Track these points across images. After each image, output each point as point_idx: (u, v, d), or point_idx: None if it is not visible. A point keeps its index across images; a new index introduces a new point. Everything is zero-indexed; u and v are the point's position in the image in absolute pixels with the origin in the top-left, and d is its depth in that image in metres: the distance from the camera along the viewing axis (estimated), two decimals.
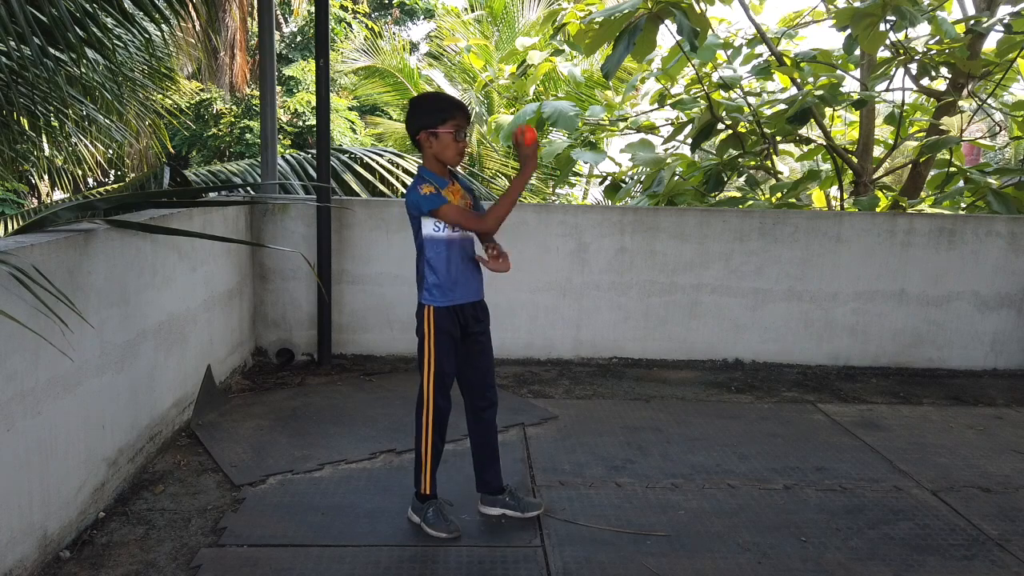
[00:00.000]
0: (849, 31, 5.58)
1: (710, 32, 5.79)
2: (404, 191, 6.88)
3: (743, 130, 6.71)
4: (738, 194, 8.22)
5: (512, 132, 2.90)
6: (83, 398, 2.84)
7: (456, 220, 2.80)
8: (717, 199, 7.02)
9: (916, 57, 6.17)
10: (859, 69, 6.93)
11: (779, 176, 7.51)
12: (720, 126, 6.51)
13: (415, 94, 12.31)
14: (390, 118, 14.58)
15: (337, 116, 14.81)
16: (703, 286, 5.31)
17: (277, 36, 11.89)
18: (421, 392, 2.95)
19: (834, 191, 7.60)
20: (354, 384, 4.73)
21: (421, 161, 2.95)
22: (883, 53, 6.45)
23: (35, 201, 10.80)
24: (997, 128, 8.91)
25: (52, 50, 3.10)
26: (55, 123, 4.46)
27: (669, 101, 6.94)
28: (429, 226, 2.84)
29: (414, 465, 3.00)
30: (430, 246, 2.86)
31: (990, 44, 6.59)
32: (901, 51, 6.24)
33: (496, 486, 3.08)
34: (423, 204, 2.77)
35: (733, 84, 6.65)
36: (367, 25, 16.90)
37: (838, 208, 7.13)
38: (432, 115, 2.81)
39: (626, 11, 5.03)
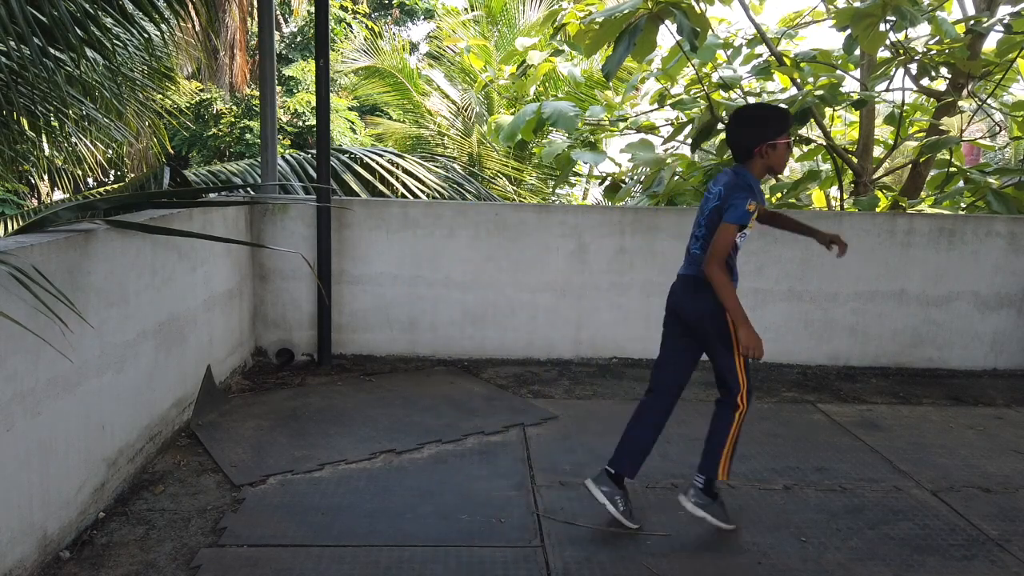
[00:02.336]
0: (849, 31, 5.58)
1: (710, 32, 5.79)
2: (404, 192, 6.88)
3: None
4: None
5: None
6: (83, 398, 2.84)
7: (722, 244, 2.83)
8: None
9: (916, 57, 6.17)
10: (859, 69, 6.93)
11: (779, 176, 7.51)
12: (720, 126, 6.50)
13: (415, 94, 12.36)
14: (390, 118, 14.58)
15: (337, 116, 14.81)
16: None
17: (277, 36, 11.90)
18: (737, 380, 3.01)
19: (834, 191, 7.61)
20: (354, 384, 4.73)
21: (750, 170, 2.93)
22: (883, 53, 6.45)
23: (35, 201, 10.80)
24: (997, 128, 8.91)
25: (52, 50, 3.11)
26: (55, 123, 4.46)
27: (669, 101, 6.94)
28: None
29: (708, 454, 3.01)
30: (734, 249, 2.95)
31: (990, 44, 6.60)
32: (901, 51, 6.24)
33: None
34: (739, 216, 2.81)
35: (733, 84, 6.65)
36: (367, 25, 16.90)
37: (838, 208, 7.13)
38: (773, 127, 2.87)
39: (626, 11, 5.02)
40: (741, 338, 2.86)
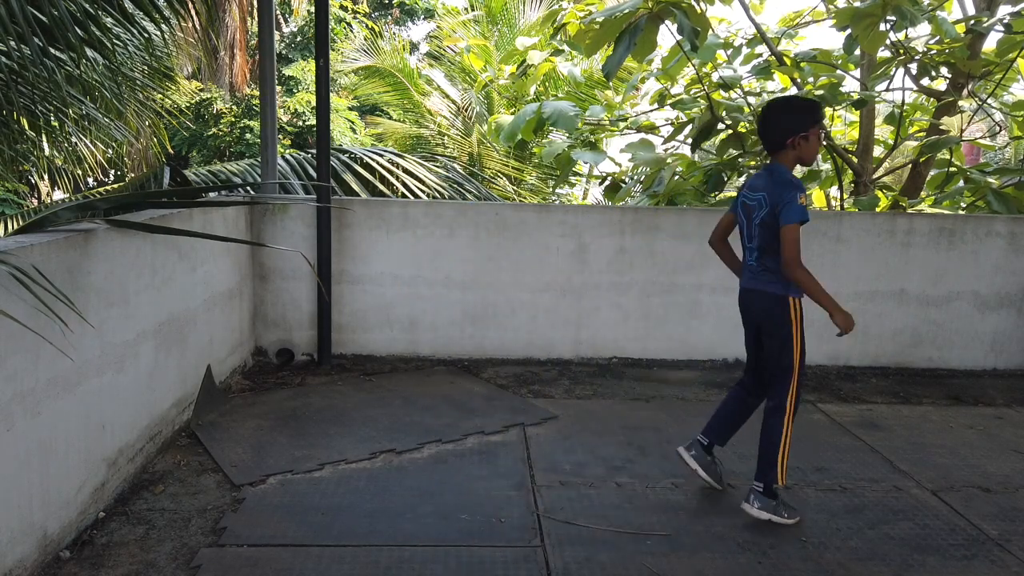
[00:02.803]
0: (849, 31, 5.58)
1: (710, 32, 5.79)
2: (404, 191, 6.88)
3: (743, 130, 6.71)
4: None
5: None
6: (83, 398, 2.84)
7: (795, 244, 2.86)
8: (717, 199, 7.02)
9: (916, 57, 6.17)
10: (859, 69, 6.93)
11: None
12: (720, 126, 6.51)
13: (415, 94, 12.36)
14: (390, 118, 14.57)
15: (337, 116, 14.81)
16: (703, 286, 5.31)
17: (277, 36, 11.89)
18: (787, 384, 3.02)
19: (834, 191, 7.61)
20: (354, 384, 4.73)
21: (782, 162, 2.97)
22: (883, 53, 6.45)
23: (35, 201, 10.80)
24: (997, 128, 8.91)
25: (52, 50, 3.10)
26: (55, 123, 4.46)
27: (669, 101, 6.94)
28: None
29: (762, 459, 3.08)
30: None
31: (990, 44, 6.60)
32: (901, 51, 6.24)
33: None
34: (797, 214, 2.83)
35: (733, 84, 6.65)
36: (367, 25, 16.90)
37: (838, 208, 7.13)
38: (803, 118, 2.90)
39: (626, 11, 5.02)
40: (839, 323, 2.93)
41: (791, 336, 3.01)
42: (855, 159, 6.90)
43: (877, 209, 6.09)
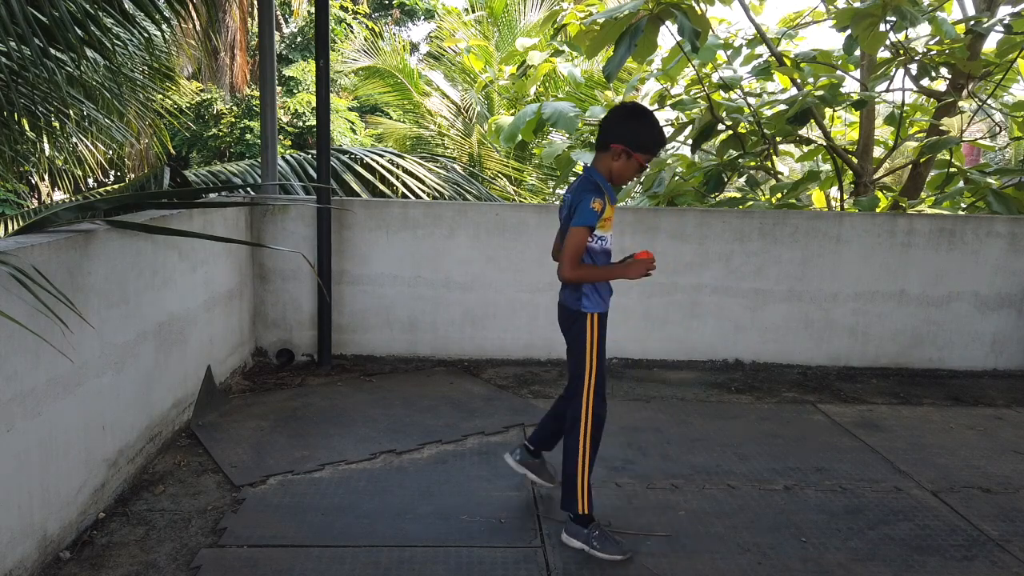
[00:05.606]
0: (849, 31, 5.58)
1: (710, 33, 5.79)
2: (404, 192, 6.88)
3: (743, 131, 6.71)
4: (738, 194, 8.22)
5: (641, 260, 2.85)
6: (83, 399, 2.84)
7: (572, 249, 2.70)
8: (717, 199, 7.03)
9: (916, 57, 6.18)
10: (859, 69, 6.93)
11: (779, 176, 7.51)
12: (720, 127, 6.51)
13: (415, 94, 12.36)
14: (390, 118, 14.58)
15: (337, 116, 14.81)
16: (703, 286, 5.31)
17: (277, 36, 11.90)
18: (580, 403, 2.84)
19: (834, 191, 7.61)
20: (354, 385, 4.74)
21: (592, 163, 2.85)
22: (883, 53, 6.45)
23: (35, 201, 10.80)
24: (997, 128, 8.91)
25: (52, 50, 3.10)
26: (55, 123, 4.46)
27: (669, 102, 6.94)
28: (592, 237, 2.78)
29: (566, 485, 2.87)
30: (590, 255, 2.80)
31: (990, 44, 6.60)
32: (901, 51, 6.25)
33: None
34: (579, 215, 2.69)
35: (733, 85, 6.65)
36: (367, 25, 16.90)
37: (838, 208, 7.13)
38: (644, 139, 2.75)
39: (627, 12, 5.03)
40: (631, 275, 2.80)
41: (584, 351, 2.82)
42: (855, 159, 6.90)
43: (877, 210, 6.09)
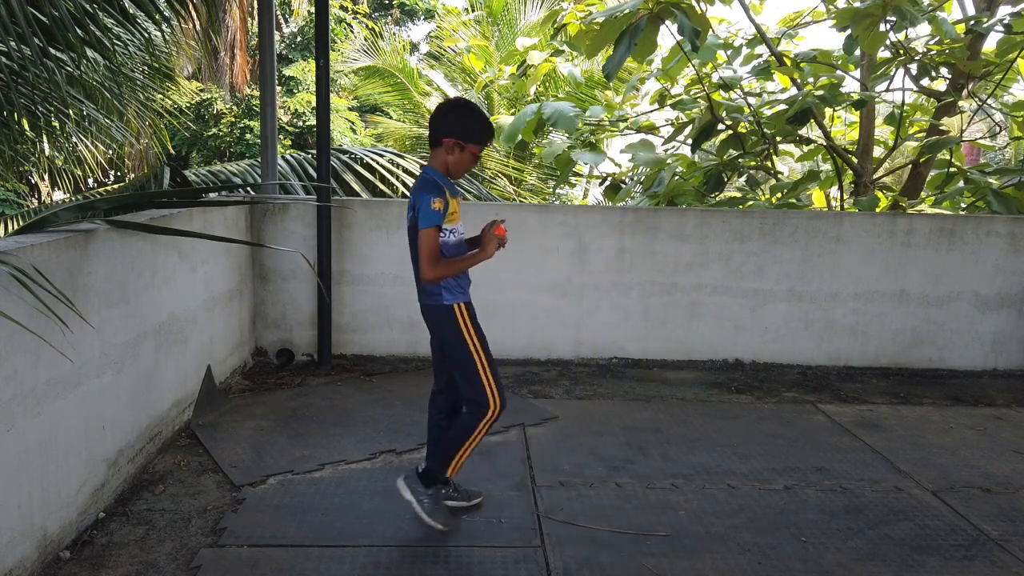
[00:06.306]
0: (849, 31, 5.59)
1: (710, 32, 5.80)
2: (404, 191, 6.88)
3: (743, 130, 6.71)
4: (738, 194, 8.22)
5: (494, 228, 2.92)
6: (83, 398, 2.84)
7: (426, 251, 2.71)
8: (717, 199, 7.03)
9: (916, 57, 6.18)
10: (859, 69, 6.93)
11: (779, 176, 7.51)
12: (720, 126, 6.51)
13: (415, 94, 12.36)
14: (390, 118, 14.57)
15: (337, 116, 14.80)
16: (703, 286, 5.31)
17: (277, 36, 11.90)
18: (479, 386, 2.83)
19: (834, 191, 7.61)
20: (354, 384, 4.73)
21: (428, 161, 2.89)
22: (883, 53, 6.45)
23: (35, 201, 10.80)
24: (997, 128, 8.91)
25: (52, 50, 3.10)
26: (55, 123, 4.46)
27: (669, 101, 6.94)
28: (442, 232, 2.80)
29: (446, 448, 2.91)
30: (445, 251, 2.82)
31: (990, 44, 6.60)
32: (901, 51, 6.25)
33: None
34: (423, 218, 2.71)
35: (733, 84, 6.65)
36: (367, 25, 16.90)
37: (838, 208, 7.13)
38: (472, 129, 2.80)
39: (627, 12, 5.03)
40: (489, 253, 2.85)
41: (465, 343, 2.84)
42: (855, 159, 6.90)
43: (877, 209, 6.09)
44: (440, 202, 2.72)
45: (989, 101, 6.97)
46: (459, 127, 2.80)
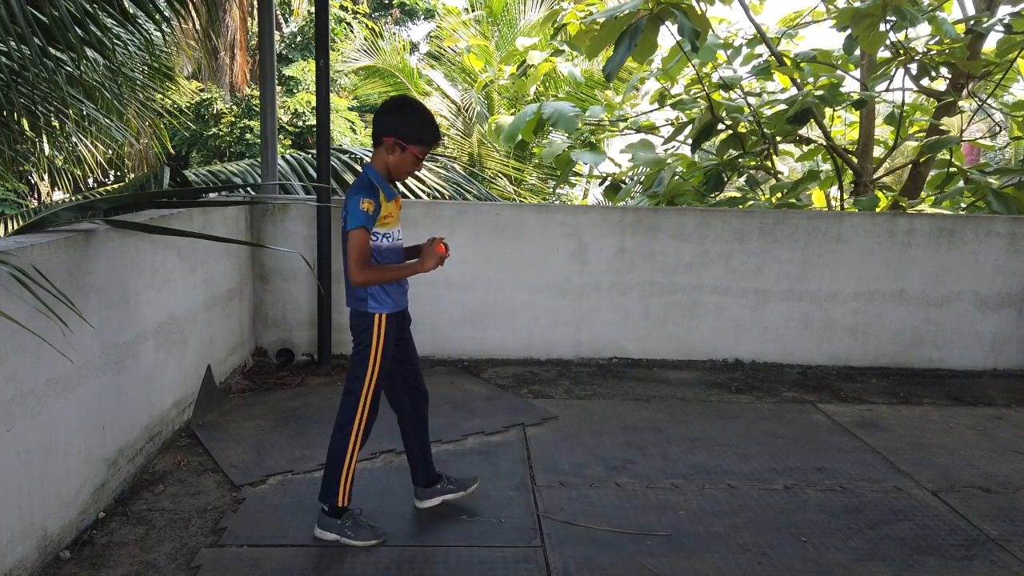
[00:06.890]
0: (849, 31, 5.59)
1: (710, 32, 5.80)
2: (404, 191, 6.88)
3: (743, 130, 6.71)
4: (738, 194, 8.23)
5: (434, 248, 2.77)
6: (83, 398, 2.84)
7: (355, 253, 2.63)
8: (717, 199, 7.03)
9: (916, 57, 6.18)
10: (859, 69, 6.93)
11: (779, 176, 7.52)
12: (720, 126, 6.51)
13: (416, 94, 12.35)
14: None
15: (337, 116, 14.80)
16: (703, 286, 5.31)
17: (277, 36, 11.89)
18: (356, 401, 2.83)
19: (834, 191, 7.61)
20: None
21: (370, 161, 2.79)
22: (883, 53, 6.46)
23: (35, 201, 10.80)
24: (997, 128, 8.91)
25: (52, 50, 3.10)
26: (55, 123, 4.46)
27: (669, 101, 6.95)
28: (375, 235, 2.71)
29: (327, 479, 2.85)
30: (377, 255, 2.73)
31: (990, 44, 6.60)
32: (901, 51, 6.25)
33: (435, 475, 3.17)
34: (351, 219, 2.63)
35: (733, 84, 6.65)
36: (367, 25, 16.90)
37: (838, 208, 7.13)
38: (414, 129, 2.70)
39: (627, 12, 5.03)
40: (428, 267, 2.71)
41: (369, 353, 2.77)
42: (855, 159, 6.90)
43: (877, 209, 6.09)
44: (370, 203, 2.62)
45: (989, 101, 6.97)
46: (401, 127, 2.69)
